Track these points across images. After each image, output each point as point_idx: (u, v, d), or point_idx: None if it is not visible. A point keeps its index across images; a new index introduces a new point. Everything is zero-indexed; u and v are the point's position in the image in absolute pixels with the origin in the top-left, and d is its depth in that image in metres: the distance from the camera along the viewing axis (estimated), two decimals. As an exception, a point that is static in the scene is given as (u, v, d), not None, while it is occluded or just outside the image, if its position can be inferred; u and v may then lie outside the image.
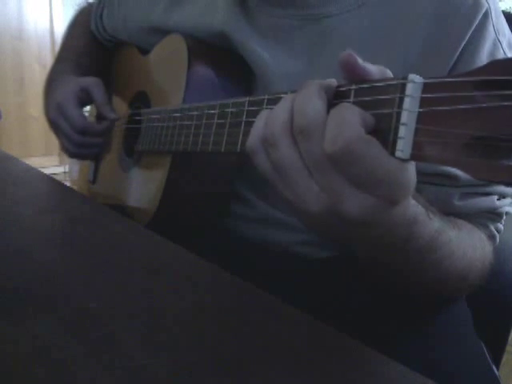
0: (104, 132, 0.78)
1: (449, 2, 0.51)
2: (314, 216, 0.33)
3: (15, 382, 0.28)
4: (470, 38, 0.49)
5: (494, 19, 0.50)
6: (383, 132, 0.30)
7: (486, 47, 0.50)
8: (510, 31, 0.54)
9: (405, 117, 0.29)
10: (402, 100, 0.29)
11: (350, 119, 0.30)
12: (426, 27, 0.51)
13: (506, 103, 0.24)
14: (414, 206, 0.38)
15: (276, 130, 0.33)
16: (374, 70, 0.32)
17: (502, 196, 0.54)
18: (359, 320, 0.51)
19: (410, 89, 0.29)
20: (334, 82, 0.34)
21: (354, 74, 0.32)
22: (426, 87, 0.28)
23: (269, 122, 0.33)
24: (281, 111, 0.33)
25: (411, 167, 0.31)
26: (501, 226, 0.56)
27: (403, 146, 0.29)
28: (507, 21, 0.54)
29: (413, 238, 0.39)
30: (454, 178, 0.51)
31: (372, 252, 0.42)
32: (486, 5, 0.50)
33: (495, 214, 0.55)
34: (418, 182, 0.53)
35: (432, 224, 0.41)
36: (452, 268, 0.46)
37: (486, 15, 0.50)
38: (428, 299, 0.52)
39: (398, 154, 0.29)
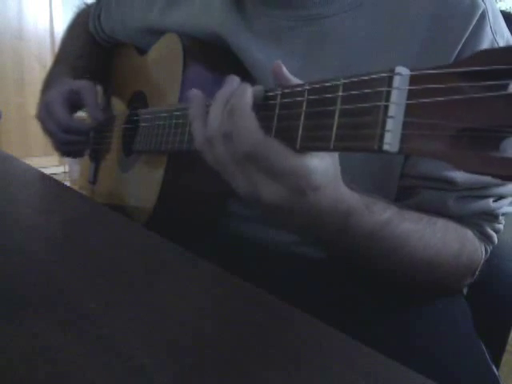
0: (88, 131, 0.80)
1: (446, 3, 0.51)
2: (245, 199, 0.40)
3: (15, 381, 0.28)
4: (467, 39, 0.49)
5: (491, 20, 0.50)
6: (370, 126, 0.29)
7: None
8: (508, 32, 0.54)
9: (392, 110, 0.28)
10: (389, 93, 0.28)
11: (249, 127, 0.37)
12: (424, 28, 0.51)
13: (490, 94, 0.24)
14: (348, 200, 0.42)
15: (213, 133, 0.40)
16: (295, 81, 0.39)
17: (500, 197, 0.54)
18: (359, 320, 0.51)
19: (397, 81, 0.28)
20: (260, 88, 0.40)
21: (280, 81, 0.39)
22: (413, 79, 0.28)
23: (208, 124, 0.41)
24: (214, 116, 0.40)
25: (314, 162, 0.36)
26: (499, 226, 0.55)
27: (391, 140, 0.28)
28: (507, 21, 0.54)
29: (351, 227, 0.43)
30: (452, 182, 0.51)
31: (319, 237, 0.46)
32: (483, 6, 0.50)
33: (491, 216, 0.54)
34: (416, 186, 0.54)
35: (372, 216, 0.45)
36: (412, 257, 0.49)
37: (483, 16, 0.50)
38: (400, 288, 0.53)
39: (386, 147, 0.28)
